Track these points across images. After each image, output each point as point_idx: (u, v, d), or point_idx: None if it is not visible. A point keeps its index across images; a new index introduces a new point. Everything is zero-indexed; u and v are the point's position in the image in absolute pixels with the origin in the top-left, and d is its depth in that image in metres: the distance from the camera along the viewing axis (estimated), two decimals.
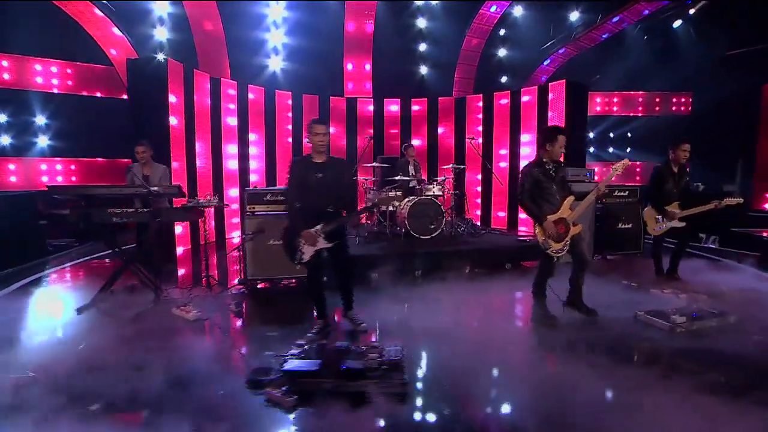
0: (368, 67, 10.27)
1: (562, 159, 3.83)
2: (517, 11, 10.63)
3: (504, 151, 8.99)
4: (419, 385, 2.71)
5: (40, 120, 8.89)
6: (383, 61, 10.25)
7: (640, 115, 11.54)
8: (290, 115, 9.07)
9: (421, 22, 10.44)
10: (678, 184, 4.75)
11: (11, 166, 8.73)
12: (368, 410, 2.37)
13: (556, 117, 8.03)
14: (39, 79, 8.81)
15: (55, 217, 4.08)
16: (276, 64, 9.77)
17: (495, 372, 2.90)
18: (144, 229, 4.49)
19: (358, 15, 9.58)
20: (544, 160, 3.70)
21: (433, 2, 10.33)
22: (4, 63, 8.56)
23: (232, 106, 7.98)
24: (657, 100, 11.41)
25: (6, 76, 8.60)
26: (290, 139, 9.12)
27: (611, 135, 11.68)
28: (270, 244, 4.81)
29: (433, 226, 6.06)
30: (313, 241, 3.21)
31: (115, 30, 8.28)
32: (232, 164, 8.03)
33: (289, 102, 9.03)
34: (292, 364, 2.66)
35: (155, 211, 4.19)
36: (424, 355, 3.11)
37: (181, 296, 4.34)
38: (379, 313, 3.91)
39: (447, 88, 10.63)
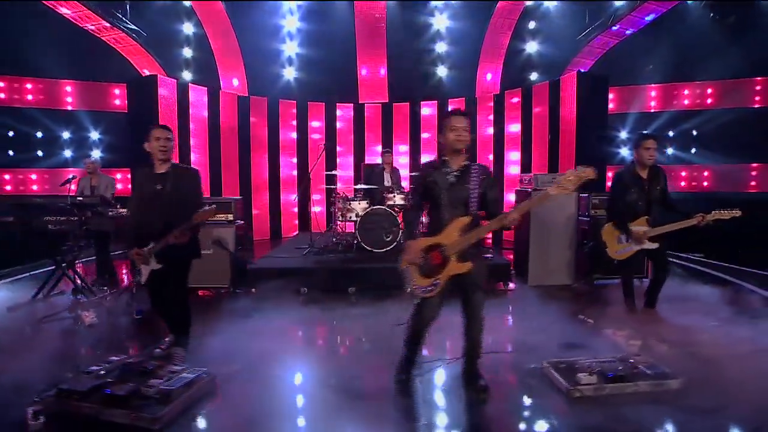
0: (383, 71, 9.98)
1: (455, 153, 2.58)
2: (549, 3, 9.49)
3: (516, 155, 8.07)
4: (182, 422, 2.42)
5: (94, 135, 10.19)
6: (399, 64, 9.88)
7: (709, 108, 9.50)
8: (294, 123, 9.20)
9: (439, 21, 9.84)
10: (647, 194, 3.68)
11: (70, 176, 10.14)
12: None
13: (567, 115, 6.98)
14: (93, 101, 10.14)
15: (1, 223, 4.56)
16: (291, 73, 9.98)
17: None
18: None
19: (368, 19, 9.38)
20: (445, 158, 2.63)
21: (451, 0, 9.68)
22: (68, 89, 10.02)
23: (233, 116, 8.32)
24: (731, 89, 9.29)
25: (69, 99, 10.07)
26: (295, 147, 9.25)
27: (670, 134, 9.78)
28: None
29: (388, 239, 5.61)
30: (145, 261, 3.03)
31: (144, 53, 9.18)
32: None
33: (294, 110, 9.16)
34: (69, 383, 2.57)
35: (82, 220, 4.47)
36: (231, 389, 2.79)
37: (105, 300, 4.55)
38: (248, 327, 3.69)
39: (469, 90, 9.87)
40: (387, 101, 9.83)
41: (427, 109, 9.29)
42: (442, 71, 10.02)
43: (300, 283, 4.84)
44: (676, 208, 3.79)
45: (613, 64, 9.43)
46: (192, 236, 3.06)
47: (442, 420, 2.52)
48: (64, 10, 8.03)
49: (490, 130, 8.53)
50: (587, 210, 5.23)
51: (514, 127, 8.11)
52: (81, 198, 4.50)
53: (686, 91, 9.73)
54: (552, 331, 3.60)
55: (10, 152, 9.79)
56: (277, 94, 9.40)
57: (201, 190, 3.22)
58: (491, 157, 8.50)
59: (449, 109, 2.74)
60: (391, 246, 5.61)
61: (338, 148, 9.50)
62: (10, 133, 9.73)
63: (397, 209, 5.78)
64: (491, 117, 8.52)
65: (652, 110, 9.99)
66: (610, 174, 7.91)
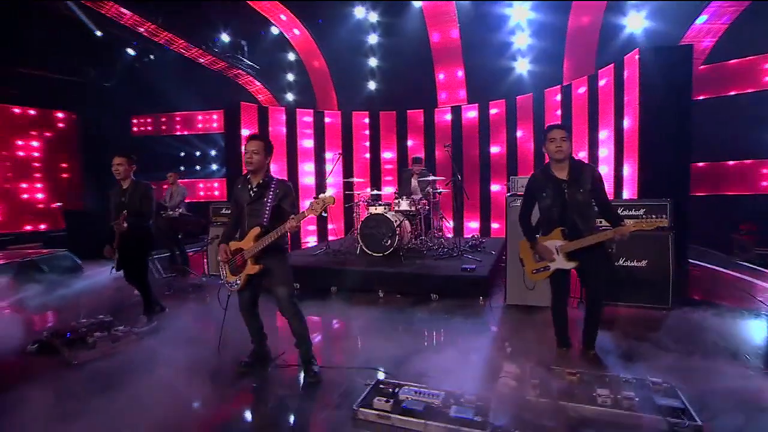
0: (460, 73, 9.77)
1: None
2: None
3: (582, 154, 6.97)
4: (96, 361, 3.29)
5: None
6: (477, 63, 9.52)
7: None
8: (367, 132, 9.86)
9: (518, 13, 9.05)
10: (565, 198, 2.94)
11: (201, 185, 13.01)
12: None
13: (631, 102, 5.74)
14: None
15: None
16: (373, 85, 10.69)
17: None
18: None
19: (439, 23, 9.35)
20: (248, 176, 3.03)
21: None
22: (215, 116, 12.95)
23: (308, 131, 9.49)
24: None
25: (215, 125, 13.02)
26: (368, 155, 9.90)
27: None
28: None
29: (387, 243, 5.72)
30: (111, 254, 4.14)
31: (257, 82, 11.25)
32: (308, 180, 9.53)
33: (366, 121, 9.83)
34: (64, 327, 3.75)
35: None
36: (146, 347, 3.55)
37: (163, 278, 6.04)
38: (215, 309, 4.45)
39: (555, 83, 8.80)
40: (466, 102, 9.60)
41: (495, 110, 8.71)
42: (522, 66, 9.20)
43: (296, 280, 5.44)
44: (610, 214, 2.97)
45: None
46: (140, 236, 4.01)
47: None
48: (201, 61, 10.54)
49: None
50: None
51: (580, 122, 6.98)
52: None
53: None
54: (445, 352, 3.29)
55: (182, 167, 13.24)
56: (358, 106, 10.20)
57: (148, 199, 4.12)
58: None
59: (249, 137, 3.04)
60: (390, 250, 5.70)
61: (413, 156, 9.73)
62: (181, 153, 13.14)
63: (401, 214, 5.84)
64: (558, 112, 7.49)
65: None
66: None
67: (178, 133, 12.89)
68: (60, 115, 11.30)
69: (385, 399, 2.46)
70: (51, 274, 6.03)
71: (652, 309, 4.02)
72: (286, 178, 9.20)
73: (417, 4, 9.50)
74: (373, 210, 6.16)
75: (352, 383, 2.85)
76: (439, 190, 6.33)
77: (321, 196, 2.69)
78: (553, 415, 2.34)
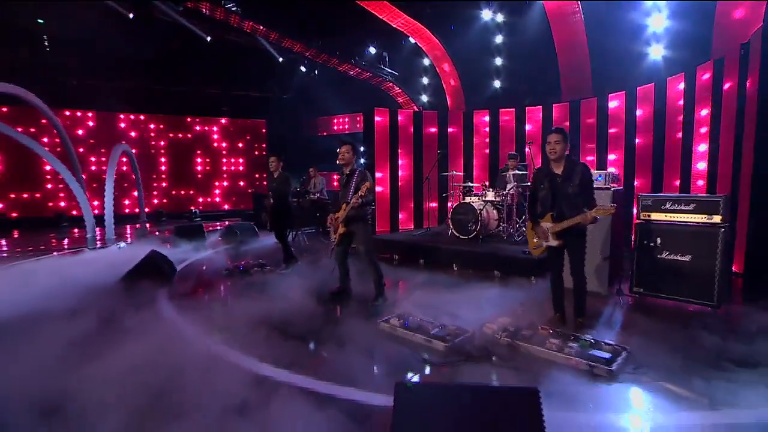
0: (586, 66, 9.57)
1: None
2: None
3: (704, 147, 6.47)
4: (251, 282, 5.32)
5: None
6: (604, 53, 9.21)
7: None
8: (487, 130, 10.54)
9: None
10: (556, 189, 3.57)
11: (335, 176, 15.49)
12: None
13: (751, 87, 5.30)
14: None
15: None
16: (498, 84, 11.23)
17: None
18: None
19: (562, 17, 9.34)
20: (343, 168, 4.58)
21: None
22: (346, 119, 15.33)
23: (433, 130, 10.73)
24: None
25: (356, 125, 15.40)
26: (487, 151, 10.58)
27: None
28: None
29: (472, 228, 6.61)
30: (266, 218, 6.21)
31: (396, 87, 12.98)
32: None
33: (486, 119, 10.51)
34: (241, 264, 6.02)
35: (299, 202, 8.34)
36: (272, 281, 5.44)
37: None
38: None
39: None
40: (592, 96, 9.42)
41: (615, 102, 8.38)
42: (656, 51, 8.51)
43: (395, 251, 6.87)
44: (587, 205, 3.40)
45: None
46: (282, 212, 5.96)
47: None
48: (351, 73, 12.81)
49: (680, 118, 6.94)
50: (638, 213, 4.42)
51: (703, 112, 6.39)
52: (298, 189, 8.32)
53: None
54: (469, 306, 4.17)
55: (338, 161, 16.08)
56: (483, 105, 10.94)
57: (287, 185, 6.01)
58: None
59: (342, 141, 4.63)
60: (473, 234, 6.58)
61: (526, 150, 10.03)
62: (338, 149, 15.93)
63: (491, 204, 6.67)
64: (680, 102, 6.91)
65: None
66: None
67: (335, 133, 15.72)
68: (257, 122, 15.24)
69: (398, 319, 3.66)
70: (240, 236, 8.82)
71: (691, 304, 4.05)
72: (412, 170, 10.72)
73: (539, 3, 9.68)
74: (468, 199, 7.10)
75: (391, 313, 4.09)
76: (527, 184, 6.82)
77: (364, 185, 4.01)
78: (504, 348, 3.15)
